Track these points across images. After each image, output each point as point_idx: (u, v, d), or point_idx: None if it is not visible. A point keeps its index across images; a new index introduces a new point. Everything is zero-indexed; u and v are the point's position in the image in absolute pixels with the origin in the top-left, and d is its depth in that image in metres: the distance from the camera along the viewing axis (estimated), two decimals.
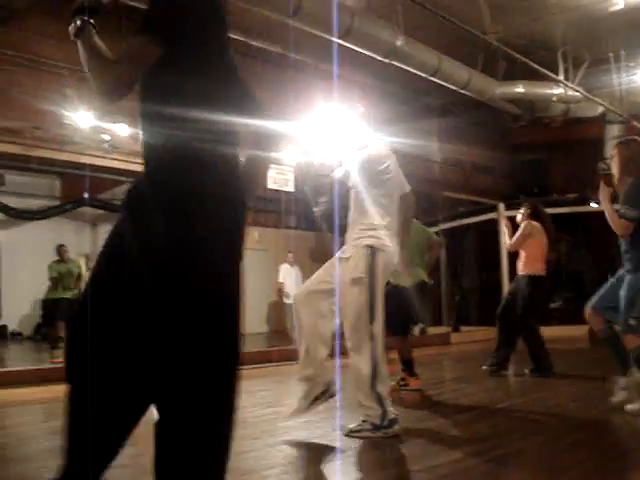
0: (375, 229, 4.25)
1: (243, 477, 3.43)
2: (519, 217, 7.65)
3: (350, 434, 4.16)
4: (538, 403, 5.67)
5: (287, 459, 3.81)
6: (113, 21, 8.21)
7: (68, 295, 10.66)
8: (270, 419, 5.06)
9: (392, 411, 4.14)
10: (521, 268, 7.49)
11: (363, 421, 4.17)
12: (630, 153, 5.00)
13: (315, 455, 3.92)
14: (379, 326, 4.19)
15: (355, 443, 4.03)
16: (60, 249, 11.12)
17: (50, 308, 10.76)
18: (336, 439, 4.14)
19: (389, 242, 4.27)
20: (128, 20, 8.02)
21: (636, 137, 5.21)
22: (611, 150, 5.28)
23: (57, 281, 10.74)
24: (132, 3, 7.76)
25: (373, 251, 4.20)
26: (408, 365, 6.32)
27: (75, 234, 16.52)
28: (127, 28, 7.88)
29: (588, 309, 5.12)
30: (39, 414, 5.95)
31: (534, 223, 7.49)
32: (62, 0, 8.18)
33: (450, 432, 4.44)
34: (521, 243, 7.45)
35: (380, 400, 4.11)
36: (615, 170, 5.07)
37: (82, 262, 16.16)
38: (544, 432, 4.36)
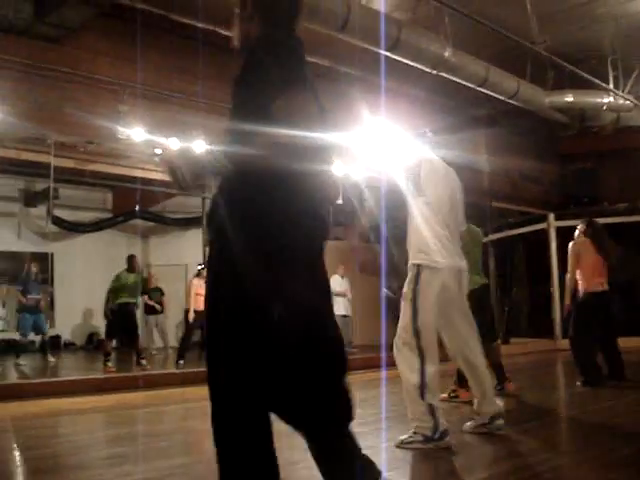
0: (426, 245, 4.29)
1: None
2: (576, 232, 7.67)
3: (401, 445, 4.18)
4: (597, 414, 5.62)
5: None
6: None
7: (133, 301, 10.94)
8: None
9: (443, 423, 4.15)
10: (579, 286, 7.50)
11: (414, 433, 4.18)
12: None
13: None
14: (425, 340, 4.22)
15: (405, 455, 4.05)
16: (132, 259, 11.33)
17: (121, 313, 10.95)
18: (383, 450, 4.17)
19: (441, 257, 4.30)
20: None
21: None
22: None
23: (124, 289, 10.95)
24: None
25: (419, 269, 4.28)
26: (461, 377, 6.31)
27: (126, 246, 16.82)
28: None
29: None
30: (93, 423, 6.09)
31: (579, 241, 7.50)
32: (116, 19, 8.46)
33: (502, 444, 4.43)
34: (574, 266, 7.44)
35: (432, 411, 4.13)
36: None
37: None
38: (596, 446, 4.32)
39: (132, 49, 8.06)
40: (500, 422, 4.46)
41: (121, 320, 10.77)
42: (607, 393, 6.83)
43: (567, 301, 7.54)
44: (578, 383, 7.20)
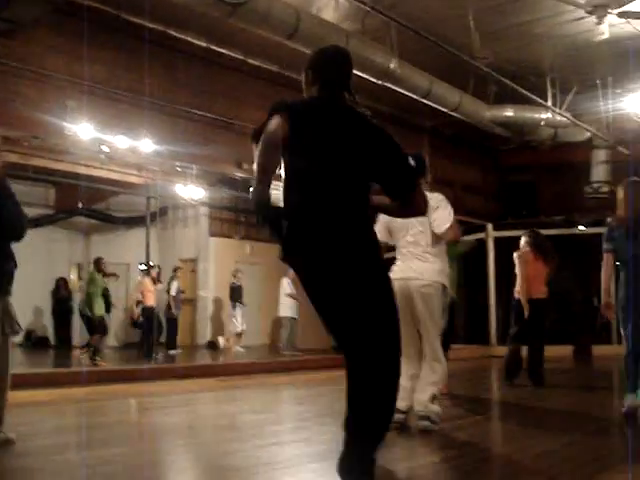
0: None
1: (231, 473, 3.65)
2: (521, 243, 8.08)
3: None
4: (524, 414, 5.92)
5: (274, 459, 4.01)
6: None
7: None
8: (259, 424, 5.28)
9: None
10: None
11: None
12: (629, 196, 5.31)
13: (299, 455, 4.12)
14: None
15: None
16: (101, 261, 11.50)
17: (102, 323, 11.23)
18: (320, 442, 4.36)
19: (397, 267, 4.75)
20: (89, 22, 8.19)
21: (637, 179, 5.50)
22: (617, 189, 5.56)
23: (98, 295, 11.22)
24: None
25: None
26: None
27: (68, 243, 16.69)
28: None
29: None
30: (38, 415, 6.14)
31: (524, 251, 7.86)
32: (68, 16, 8.47)
33: (436, 438, 4.66)
34: (524, 273, 7.76)
35: None
36: (619, 210, 5.39)
37: (74, 271, 16.38)
38: (523, 439, 4.59)
39: (83, 46, 8.11)
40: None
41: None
42: (533, 394, 7.17)
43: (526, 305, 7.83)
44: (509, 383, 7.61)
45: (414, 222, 4.71)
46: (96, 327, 11.13)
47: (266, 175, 2.85)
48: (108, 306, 12.07)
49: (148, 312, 12.34)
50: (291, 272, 14.20)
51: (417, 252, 4.81)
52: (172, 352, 13.14)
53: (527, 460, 3.95)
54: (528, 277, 7.76)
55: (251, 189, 2.86)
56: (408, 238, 4.85)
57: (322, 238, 2.88)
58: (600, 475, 3.58)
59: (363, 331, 2.88)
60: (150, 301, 12.36)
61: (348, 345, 2.94)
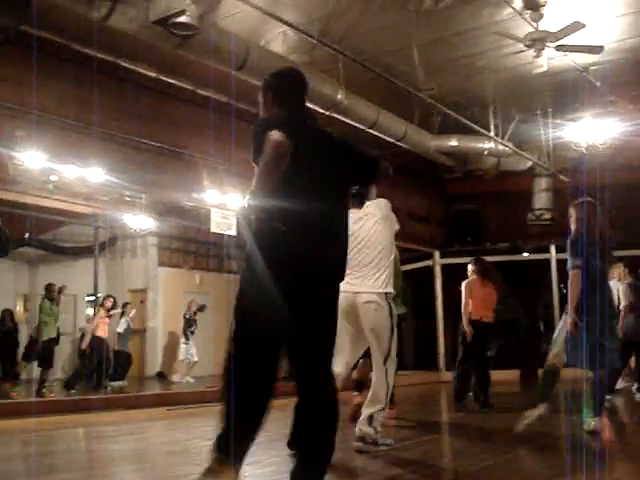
0: None
1: None
2: (469, 271, 8.45)
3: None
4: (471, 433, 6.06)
5: None
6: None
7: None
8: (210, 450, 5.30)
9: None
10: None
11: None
12: (581, 214, 5.53)
13: (249, 476, 4.18)
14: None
15: None
16: (52, 288, 11.38)
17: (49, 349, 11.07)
18: (270, 464, 4.43)
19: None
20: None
21: (589, 199, 5.74)
22: (569, 210, 5.78)
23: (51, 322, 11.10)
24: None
25: None
26: None
27: (13, 274, 16.44)
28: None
29: None
30: None
31: (471, 280, 8.15)
32: (15, 45, 8.47)
33: (378, 459, 4.77)
34: (467, 299, 8.14)
35: None
36: (572, 227, 5.62)
37: (20, 302, 16.14)
38: (469, 456, 4.72)
39: (32, 76, 8.12)
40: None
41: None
42: (479, 417, 7.33)
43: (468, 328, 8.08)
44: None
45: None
46: (42, 357, 11.02)
47: (272, 184, 2.92)
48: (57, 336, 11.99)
49: (98, 342, 12.19)
50: None
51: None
52: (115, 384, 12.91)
53: (473, 474, 4.08)
54: (475, 301, 8.02)
55: (253, 195, 2.90)
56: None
57: (320, 247, 3.06)
58: None
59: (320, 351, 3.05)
60: (101, 332, 12.25)
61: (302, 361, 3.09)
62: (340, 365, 4.75)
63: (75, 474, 4.47)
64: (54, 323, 11.27)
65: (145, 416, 8.19)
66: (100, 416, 8.08)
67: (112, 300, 13.06)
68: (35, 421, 7.48)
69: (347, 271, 4.82)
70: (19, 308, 16.24)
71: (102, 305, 12.64)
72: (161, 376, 15.34)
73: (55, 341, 11.49)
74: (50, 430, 7.11)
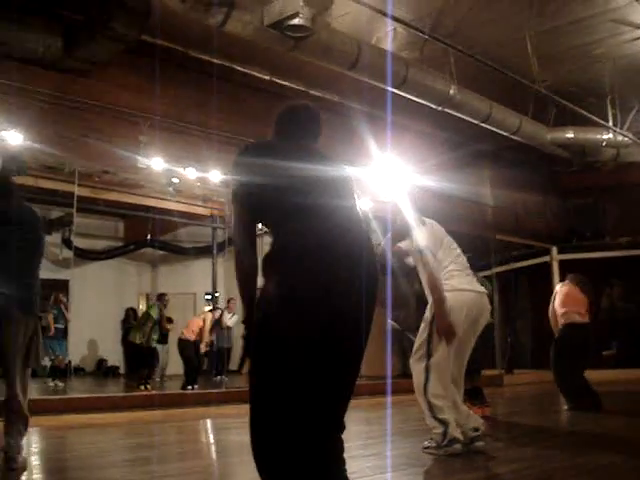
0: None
1: None
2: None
3: (424, 450, 4.61)
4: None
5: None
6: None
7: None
8: None
9: (452, 433, 4.47)
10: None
11: (430, 439, 4.62)
12: None
13: (371, 467, 4.25)
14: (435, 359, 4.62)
15: (409, 459, 4.37)
16: (164, 297, 11.93)
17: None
18: (390, 456, 4.49)
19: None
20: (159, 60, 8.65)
21: None
22: None
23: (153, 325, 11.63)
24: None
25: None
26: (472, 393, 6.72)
27: (136, 275, 17.17)
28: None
29: None
30: (115, 434, 6.42)
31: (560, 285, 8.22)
32: (139, 55, 8.88)
33: (495, 453, 4.74)
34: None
35: (441, 422, 4.48)
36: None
37: (142, 301, 16.83)
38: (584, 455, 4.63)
39: (153, 83, 8.51)
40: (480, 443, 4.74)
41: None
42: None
43: None
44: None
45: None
46: (146, 357, 11.53)
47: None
48: (164, 337, 12.50)
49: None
50: None
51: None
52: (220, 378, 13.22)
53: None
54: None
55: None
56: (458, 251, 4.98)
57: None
58: None
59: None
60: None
61: None
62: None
63: (199, 461, 4.67)
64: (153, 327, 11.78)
65: None
66: (222, 409, 8.35)
67: (221, 312, 13.25)
68: (161, 413, 7.83)
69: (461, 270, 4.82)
70: (141, 307, 16.93)
71: (212, 310, 13.03)
72: None
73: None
74: (174, 422, 7.42)
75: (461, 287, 4.68)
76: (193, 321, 12.22)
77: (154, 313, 11.75)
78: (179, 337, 11.99)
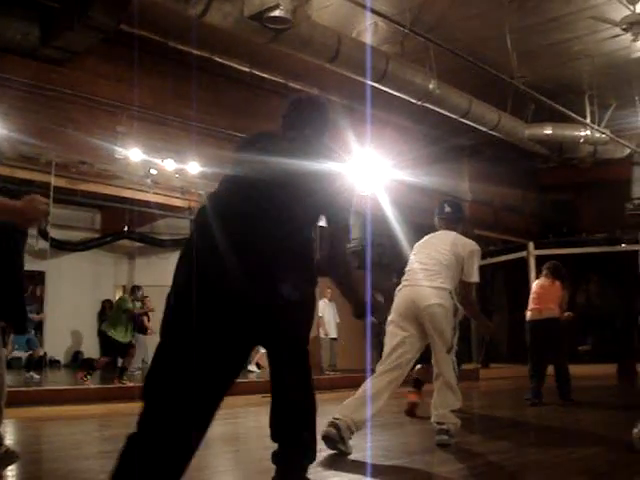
0: None
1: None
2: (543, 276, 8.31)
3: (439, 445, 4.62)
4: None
5: (320, 462, 4.15)
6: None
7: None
8: None
9: None
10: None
11: (447, 431, 4.68)
12: None
13: (341, 460, 4.26)
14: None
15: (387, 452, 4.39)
16: (136, 289, 11.72)
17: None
18: (367, 449, 4.50)
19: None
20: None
21: None
22: None
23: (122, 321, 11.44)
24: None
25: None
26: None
27: (113, 266, 17.06)
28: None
29: None
30: (90, 426, 6.38)
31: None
32: (117, 44, 8.80)
33: (471, 447, 4.77)
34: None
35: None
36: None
37: (119, 293, 16.71)
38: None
39: (132, 73, 8.46)
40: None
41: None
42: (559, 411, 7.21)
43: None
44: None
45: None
46: (122, 350, 11.38)
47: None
48: (142, 329, 12.41)
49: None
50: (329, 293, 14.41)
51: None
52: None
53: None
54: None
55: None
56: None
57: None
58: None
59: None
60: None
61: None
62: None
63: None
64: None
65: (241, 403, 8.38)
66: None
67: None
68: (137, 405, 7.78)
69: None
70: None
71: None
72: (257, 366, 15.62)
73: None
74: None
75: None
76: None
77: (126, 305, 11.57)
78: None
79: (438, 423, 4.68)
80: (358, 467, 4.02)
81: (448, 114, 10.20)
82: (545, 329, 7.79)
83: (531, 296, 8.08)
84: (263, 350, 3.14)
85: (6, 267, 3.90)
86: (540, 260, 15.35)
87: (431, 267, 4.92)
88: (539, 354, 7.83)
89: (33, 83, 8.11)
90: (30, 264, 15.06)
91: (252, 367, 14.02)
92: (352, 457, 4.29)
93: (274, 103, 10.92)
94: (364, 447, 4.57)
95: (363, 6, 8.21)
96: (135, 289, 11.74)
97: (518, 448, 4.72)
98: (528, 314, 8.01)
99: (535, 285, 8.26)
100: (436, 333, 4.76)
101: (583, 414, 6.94)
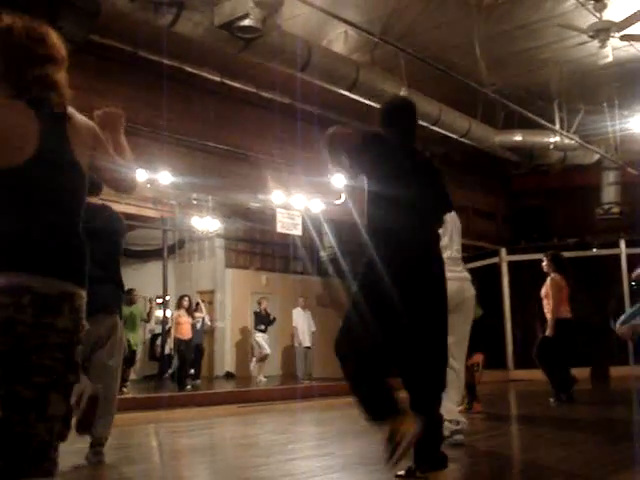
0: None
1: None
2: (544, 266, 8.26)
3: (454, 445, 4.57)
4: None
5: (297, 470, 4.16)
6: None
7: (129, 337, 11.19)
8: (280, 443, 5.42)
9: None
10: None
11: (460, 432, 4.68)
12: None
13: (322, 467, 4.26)
14: None
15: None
16: (130, 292, 11.65)
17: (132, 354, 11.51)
18: (342, 456, 4.50)
19: None
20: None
21: None
22: None
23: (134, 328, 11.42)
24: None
25: None
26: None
27: None
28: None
29: None
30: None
31: (557, 278, 7.98)
32: (87, 54, 8.68)
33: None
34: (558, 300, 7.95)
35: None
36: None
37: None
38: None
39: (102, 83, 8.41)
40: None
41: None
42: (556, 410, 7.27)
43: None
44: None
45: None
46: (126, 358, 11.25)
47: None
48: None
49: (184, 345, 12.49)
50: (302, 301, 14.36)
51: None
52: (196, 382, 13.08)
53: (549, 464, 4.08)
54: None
55: None
56: None
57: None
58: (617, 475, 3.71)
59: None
60: (186, 334, 12.50)
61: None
62: None
63: (148, 465, 4.62)
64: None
65: (217, 413, 8.35)
66: (174, 413, 8.27)
67: (188, 299, 13.18)
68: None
69: None
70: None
71: (180, 306, 12.84)
72: (229, 375, 15.55)
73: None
74: (124, 426, 7.32)
75: None
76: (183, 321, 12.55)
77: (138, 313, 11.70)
78: (181, 339, 12.42)
79: (450, 421, 4.49)
80: (329, 474, 4.03)
81: (419, 122, 10.25)
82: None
83: (563, 295, 7.99)
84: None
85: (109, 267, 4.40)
86: (512, 266, 15.51)
87: None
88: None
89: None
90: None
91: (260, 377, 13.90)
92: (323, 464, 4.29)
93: (245, 113, 10.94)
94: (337, 454, 4.58)
95: (333, 15, 8.25)
96: (129, 291, 11.70)
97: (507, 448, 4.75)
98: (567, 314, 7.96)
99: (561, 281, 8.08)
100: None
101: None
